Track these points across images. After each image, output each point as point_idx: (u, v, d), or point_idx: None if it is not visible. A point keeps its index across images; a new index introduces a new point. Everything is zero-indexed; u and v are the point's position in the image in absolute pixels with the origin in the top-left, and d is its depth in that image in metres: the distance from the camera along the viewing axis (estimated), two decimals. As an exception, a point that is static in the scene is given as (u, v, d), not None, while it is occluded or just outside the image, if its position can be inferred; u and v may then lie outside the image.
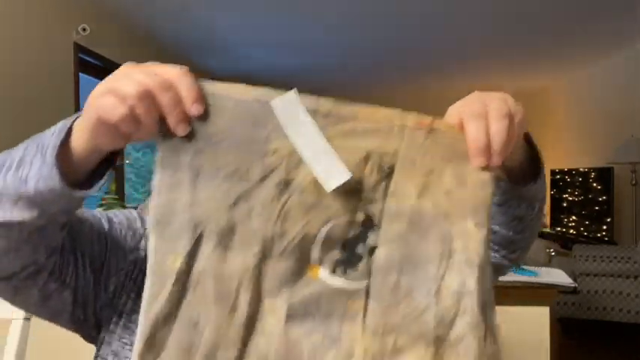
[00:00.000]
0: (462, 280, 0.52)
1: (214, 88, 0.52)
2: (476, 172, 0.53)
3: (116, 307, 0.77)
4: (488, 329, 0.52)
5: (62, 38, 3.39)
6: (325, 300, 0.52)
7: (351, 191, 0.53)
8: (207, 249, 0.51)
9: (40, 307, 0.72)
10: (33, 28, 3.12)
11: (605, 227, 4.36)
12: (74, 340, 0.81)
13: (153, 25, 4.11)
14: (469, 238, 0.53)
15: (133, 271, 0.79)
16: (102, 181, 0.59)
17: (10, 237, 0.61)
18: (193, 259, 0.52)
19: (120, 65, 0.55)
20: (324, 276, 0.53)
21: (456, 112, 0.55)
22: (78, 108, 3.40)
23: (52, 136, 0.58)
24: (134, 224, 0.83)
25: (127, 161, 3.77)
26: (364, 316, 0.52)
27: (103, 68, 3.73)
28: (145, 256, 0.80)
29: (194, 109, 0.51)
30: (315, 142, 0.51)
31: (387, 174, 0.53)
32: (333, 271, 0.53)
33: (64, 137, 0.56)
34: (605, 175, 4.36)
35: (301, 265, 0.53)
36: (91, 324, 0.77)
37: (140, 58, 0.61)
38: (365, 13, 3.70)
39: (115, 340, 0.76)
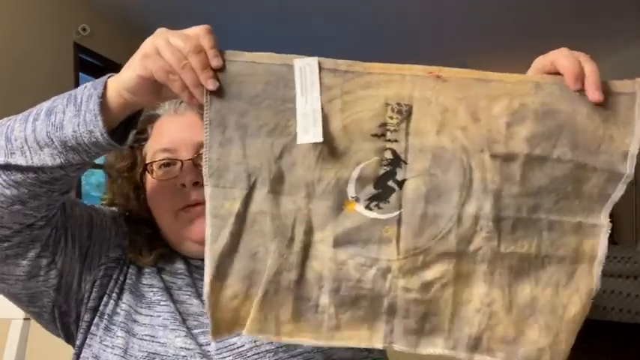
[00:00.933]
0: (480, 205, 0.59)
1: (245, 56, 0.60)
2: (487, 109, 0.59)
3: (95, 306, 0.76)
4: (503, 239, 0.60)
5: (62, 38, 3.40)
6: (363, 229, 0.61)
7: (377, 135, 0.60)
8: (261, 194, 0.61)
9: (23, 282, 0.71)
10: (33, 28, 3.12)
11: (605, 227, 4.35)
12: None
13: (153, 26, 4.11)
14: (486, 169, 0.59)
15: (114, 270, 0.78)
16: (131, 137, 0.65)
17: (24, 185, 0.63)
18: (249, 203, 0.62)
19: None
20: (360, 210, 0.61)
21: (543, 58, 0.60)
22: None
23: (85, 89, 0.62)
24: (118, 219, 0.82)
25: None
26: (397, 240, 0.61)
27: (102, 68, 3.73)
28: (127, 259, 0.79)
29: (214, 62, 0.59)
30: (312, 103, 0.59)
31: (407, 115, 0.60)
32: (368, 207, 0.61)
33: (103, 90, 0.61)
34: (605, 175, 4.34)
35: (340, 202, 0.61)
36: (72, 318, 0.76)
37: (140, 58, 0.62)
38: (359, 14, 3.70)
39: (96, 343, 0.74)
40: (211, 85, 0.59)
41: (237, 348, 0.72)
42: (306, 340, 0.63)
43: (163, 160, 0.78)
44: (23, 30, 3.05)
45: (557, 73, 0.58)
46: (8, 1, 2.94)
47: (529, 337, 0.60)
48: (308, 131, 0.59)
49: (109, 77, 0.62)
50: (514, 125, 0.58)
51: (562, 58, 0.58)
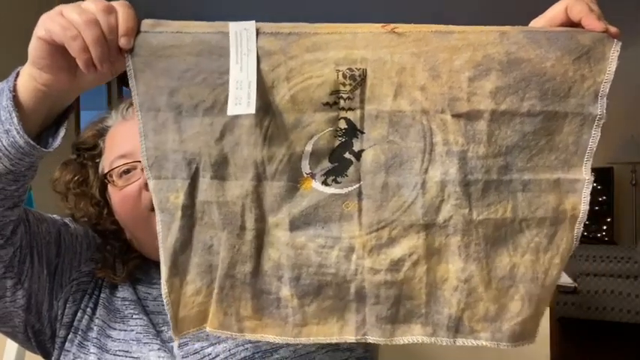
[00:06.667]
0: (445, 170, 0.55)
1: (170, 26, 0.55)
2: (448, 63, 0.53)
3: (70, 322, 0.74)
4: (474, 205, 0.55)
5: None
6: (322, 207, 0.56)
7: (330, 104, 0.55)
8: (204, 182, 0.56)
9: None
10: (33, 27, 3.12)
11: (605, 227, 4.35)
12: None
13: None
14: (448, 130, 0.54)
15: (88, 285, 0.76)
16: (58, 140, 0.59)
17: None
18: (194, 193, 0.56)
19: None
20: (316, 186, 0.56)
21: (555, 8, 0.55)
22: (78, 107, 3.39)
23: None
24: (90, 233, 0.79)
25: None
26: (359, 215, 0.56)
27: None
28: (96, 274, 0.76)
29: (123, 41, 0.53)
30: (247, 71, 0.53)
31: (361, 80, 0.54)
32: (325, 182, 0.56)
33: (14, 82, 0.56)
34: (605, 175, 4.35)
35: (295, 180, 0.56)
36: (47, 336, 0.74)
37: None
38: (363, 6, 3.70)
39: None
40: (125, 42, 0.53)
41: (213, 358, 0.70)
42: (271, 336, 0.58)
43: (122, 166, 0.73)
44: (23, 29, 3.04)
45: (571, 24, 0.54)
46: (7, 1, 2.94)
47: (511, 310, 0.56)
48: (241, 102, 0.52)
49: (20, 68, 0.57)
50: (478, 79, 0.53)
51: (575, 4, 0.54)
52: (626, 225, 4.36)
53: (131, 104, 0.77)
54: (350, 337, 0.58)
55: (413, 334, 0.57)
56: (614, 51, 0.53)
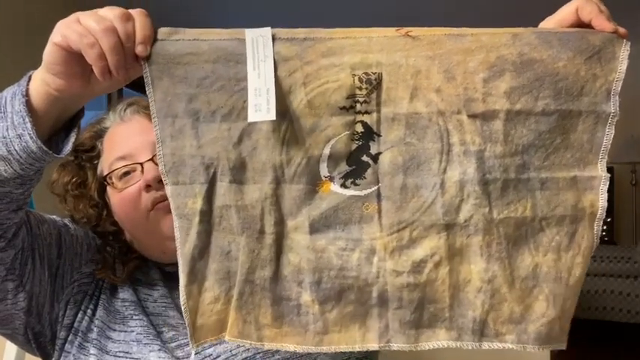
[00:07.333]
0: (463, 169, 0.55)
1: (186, 34, 0.55)
2: (463, 65, 0.55)
3: (70, 323, 0.73)
4: (494, 204, 0.55)
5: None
6: (341, 209, 0.57)
7: (346, 107, 0.56)
8: (223, 186, 0.56)
9: None
10: (32, 27, 3.13)
11: (604, 227, 4.36)
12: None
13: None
14: (464, 130, 0.55)
15: (89, 286, 0.76)
16: (69, 145, 0.59)
17: None
18: (212, 198, 0.57)
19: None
20: (335, 189, 0.57)
21: (565, 9, 0.57)
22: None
23: (10, 89, 0.57)
24: (90, 234, 0.79)
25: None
26: (379, 216, 0.57)
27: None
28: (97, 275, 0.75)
29: (140, 49, 0.53)
30: (265, 78, 0.54)
31: (377, 84, 0.55)
32: (344, 185, 0.57)
33: (26, 86, 0.56)
34: (605, 175, 4.35)
35: (313, 183, 0.57)
36: (48, 338, 0.74)
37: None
38: (367, 13, 3.70)
39: None
40: (142, 50, 0.53)
41: (215, 359, 0.70)
42: (292, 345, 0.57)
43: (122, 167, 0.73)
44: (22, 29, 3.05)
45: (581, 25, 0.56)
46: (7, 1, 2.94)
47: (536, 311, 0.56)
48: (260, 108, 0.53)
49: (32, 72, 0.57)
50: (492, 80, 0.54)
51: (585, 5, 0.55)
52: (626, 225, 4.36)
53: (128, 105, 0.78)
54: (373, 344, 0.57)
55: (438, 339, 0.57)
56: (624, 50, 0.55)
